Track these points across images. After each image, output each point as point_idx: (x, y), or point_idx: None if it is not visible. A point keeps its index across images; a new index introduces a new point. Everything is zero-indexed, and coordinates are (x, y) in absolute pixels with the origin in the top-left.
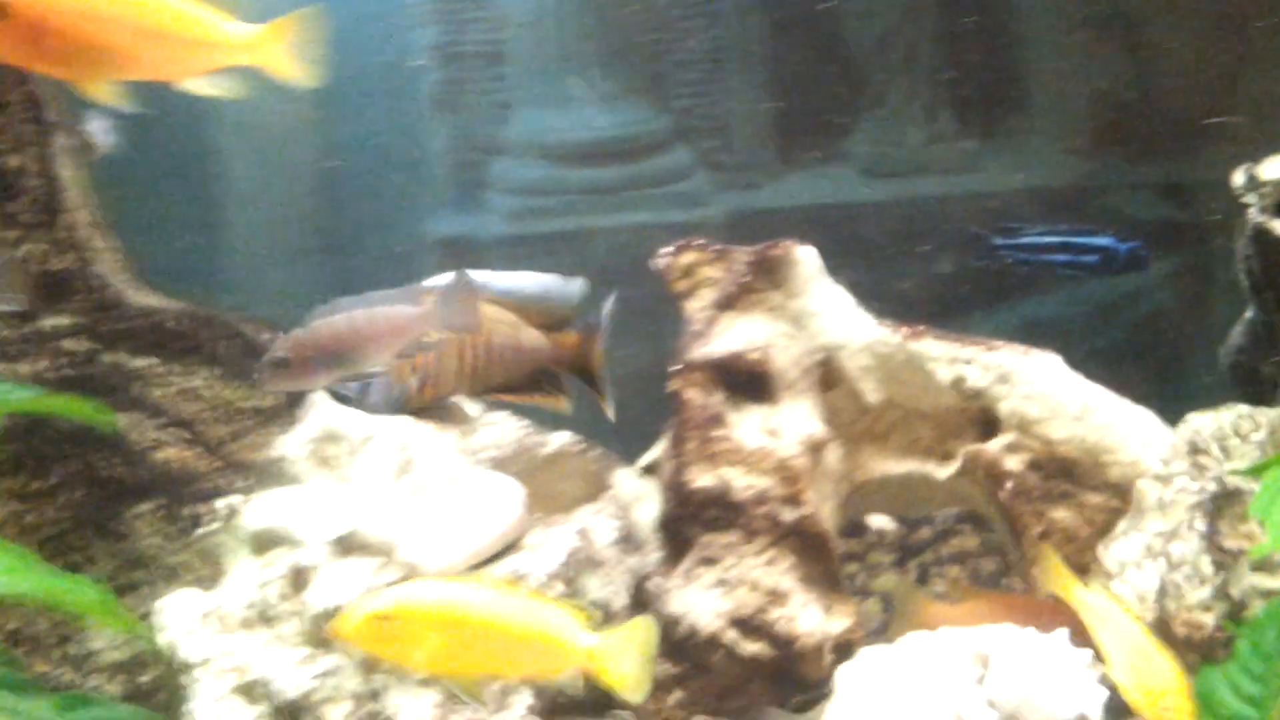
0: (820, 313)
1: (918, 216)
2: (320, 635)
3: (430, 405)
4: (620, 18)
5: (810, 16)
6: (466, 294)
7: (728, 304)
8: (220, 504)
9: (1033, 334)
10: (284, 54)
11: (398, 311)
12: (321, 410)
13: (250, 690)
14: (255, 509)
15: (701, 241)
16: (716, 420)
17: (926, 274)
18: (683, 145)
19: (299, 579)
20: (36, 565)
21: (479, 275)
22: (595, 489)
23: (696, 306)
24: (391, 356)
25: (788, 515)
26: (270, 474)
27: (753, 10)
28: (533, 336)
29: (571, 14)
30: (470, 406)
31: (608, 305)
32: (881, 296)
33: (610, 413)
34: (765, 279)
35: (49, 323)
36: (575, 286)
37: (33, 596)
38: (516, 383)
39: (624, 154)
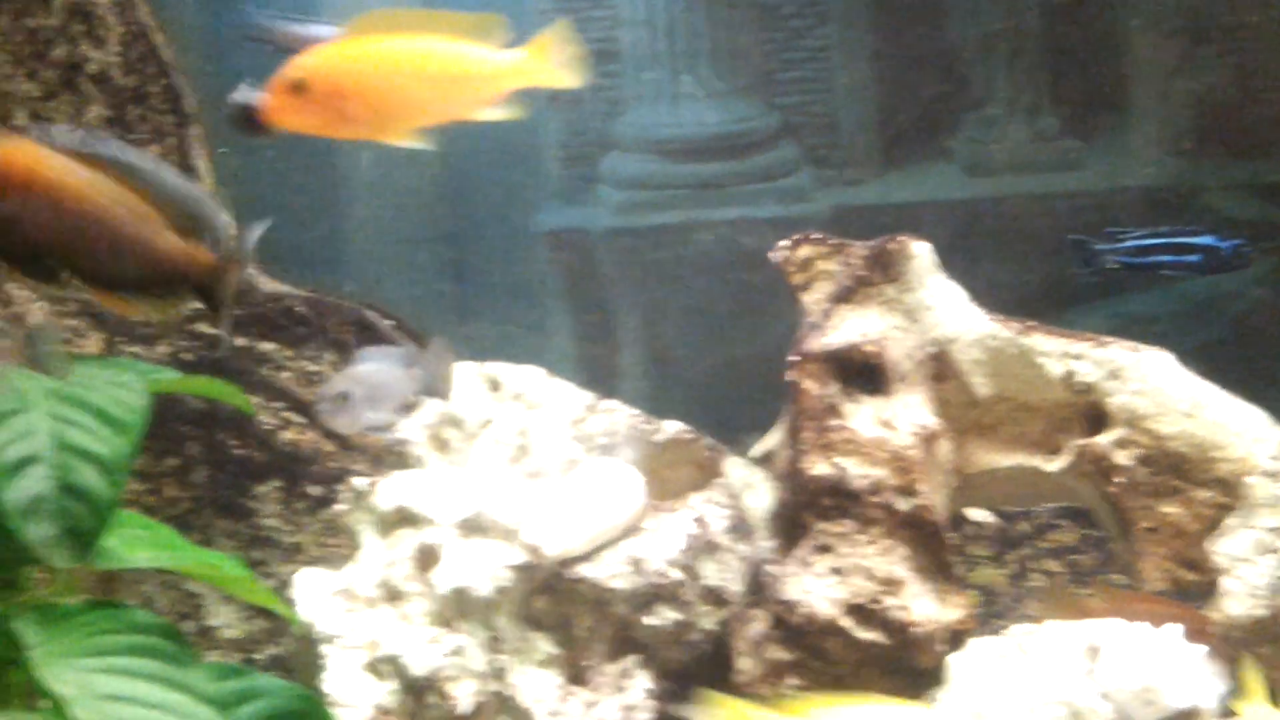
0: (934, 306)
1: (1019, 214)
2: (446, 615)
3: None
4: (730, 16)
5: (916, 15)
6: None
7: (843, 297)
8: (355, 484)
9: (1131, 330)
10: (551, 67)
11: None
12: None
13: (380, 667)
14: (385, 490)
15: (818, 235)
16: (832, 410)
17: (1026, 270)
18: (788, 141)
19: (425, 559)
20: (183, 541)
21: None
22: (706, 476)
23: (813, 299)
24: None
25: (902, 505)
26: (388, 457)
27: (860, 8)
28: (161, 240)
29: (683, 13)
30: (583, 395)
31: (252, 234)
32: (981, 292)
33: (225, 346)
34: (881, 273)
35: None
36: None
37: (185, 570)
38: (131, 280)
39: (731, 150)
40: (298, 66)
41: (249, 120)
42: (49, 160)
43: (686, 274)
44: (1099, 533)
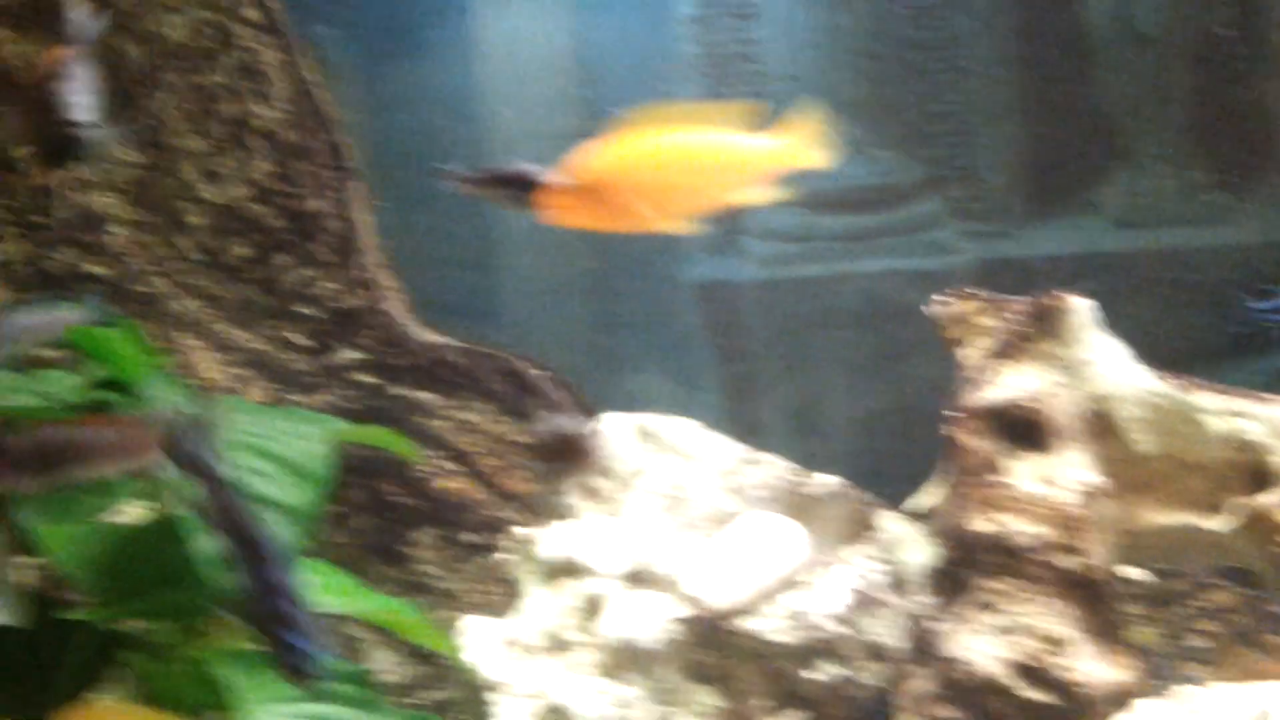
0: (1094, 362)
1: (1169, 267)
2: (612, 665)
3: None
4: (875, 70)
5: (1063, 67)
6: None
7: (1003, 353)
8: (518, 533)
9: None
10: (806, 149)
11: None
12: None
13: (548, 716)
14: (548, 540)
15: (975, 290)
16: (993, 467)
17: (1177, 324)
18: (933, 194)
19: (590, 609)
20: (361, 587)
21: None
22: (860, 530)
23: (971, 354)
24: None
25: (1065, 563)
26: (542, 506)
27: (1006, 63)
28: None
29: (829, 67)
30: (735, 447)
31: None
32: (1131, 346)
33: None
34: (1040, 328)
35: (342, 356)
36: None
37: (368, 616)
38: None
39: (876, 202)
40: (580, 165)
41: (520, 191)
42: None
43: (832, 326)
44: (1258, 593)
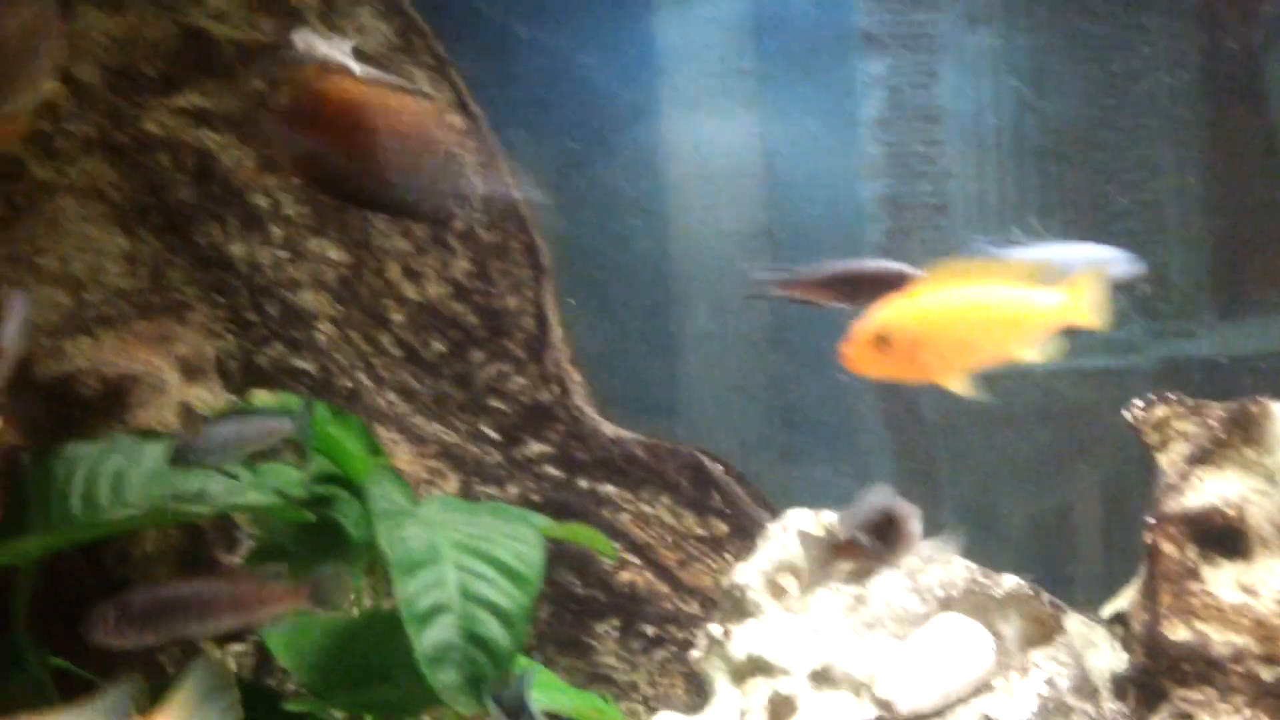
0: None
1: None
2: None
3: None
4: (1060, 169)
5: (1252, 164)
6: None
7: (1201, 458)
8: (711, 630)
9: None
10: (1085, 309)
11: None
12: (777, 541)
13: None
14: (739, 637)
15: (1174, 396)
16: (1192, 574)
17: None
18: (1119, 292)
19: (779, 708)
20: (562, 683)
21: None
22: (1047, 633)
23: (1169, 460)
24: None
25: (1267, 674)
26: (724, 600)
27: (1193, 160)
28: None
29: (1013, 166)
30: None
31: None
32: None
33: None
34: (1240, 434)
35: (533, 449)
36: None
37: (573, 713)
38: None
39: None
40: (881, 321)
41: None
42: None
43: (1013, 423)
44: None
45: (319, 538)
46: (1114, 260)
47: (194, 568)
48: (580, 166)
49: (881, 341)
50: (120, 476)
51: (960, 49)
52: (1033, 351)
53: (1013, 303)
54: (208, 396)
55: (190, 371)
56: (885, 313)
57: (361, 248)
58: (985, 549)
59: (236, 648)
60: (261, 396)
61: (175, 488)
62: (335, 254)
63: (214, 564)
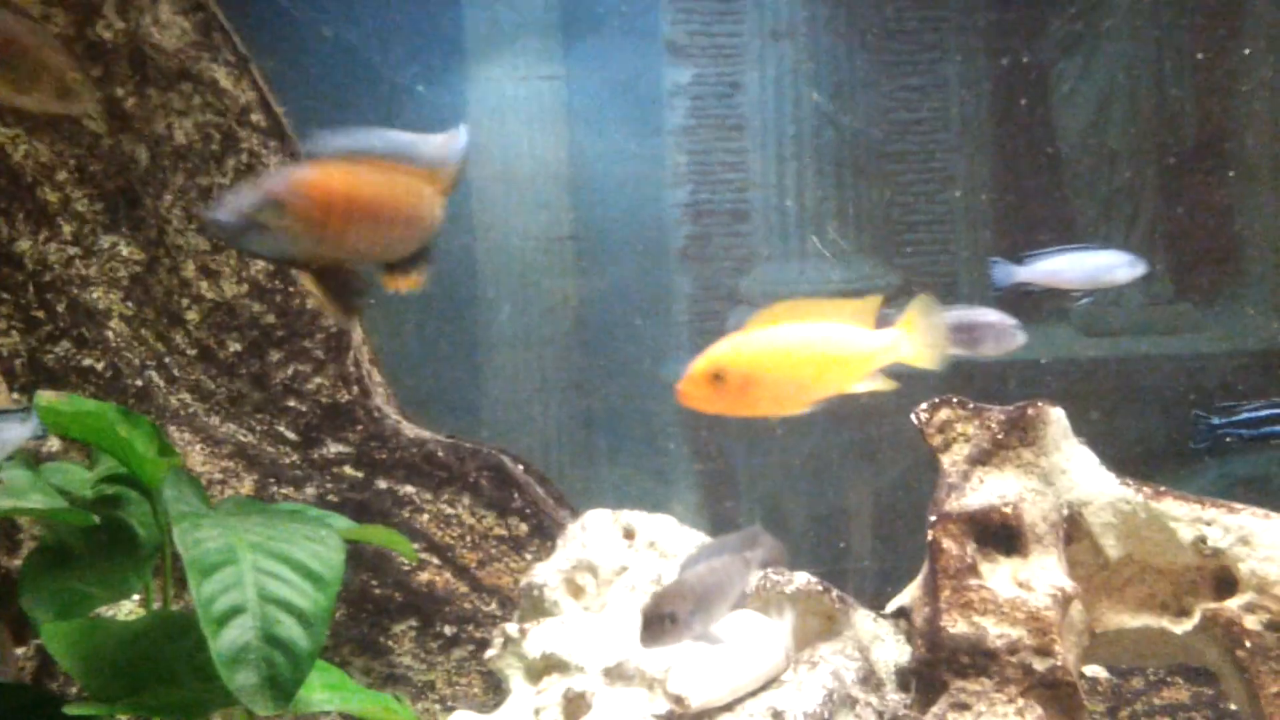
0: (1068, 470)
1: (1134, 375)
2: None
3: (326, 267)
4: (856, 181)
5: (1036, 179)
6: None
7: (982, 459)
8: (507, 629)
9: (1241, 490)
10: (918, 347)
11: (739, 561)
12: (576, 541)
13: None
14: (535, 636)
15: (957, 399)
16: (971, 570)
17: (1141, 430)
18: (909, 299)
19: (573, 705)
20: (353, 683)
21: (352, 138)
22: (834, 628)
23: (951, 461)
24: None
25: (1039, 665)
26: (523, 600)
27: (981, 175)
28: (441, 202)
29: (812, 177)
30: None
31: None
32: (1096, 451)
33: None
34: (1018, 436)
35: (331, 450)
36: (456, 141)
37: (363, 713)
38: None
39: None
40: (714, 358)
41: None
42: (351, 177)
43: (807, 425)
44: (1211, 690)
45: (106, 540)
46: (1121, 264)
47: None
48: None
49: (716, 379)
50: None
51: (763, 61)
52: (863, 385)
53: (842, 342)
54: None
55: None
56: (719, 350)
57: (156, 245)
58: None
59: (19, 650)
60: (46, 396)
61: None
62: (128, 251)
63: None
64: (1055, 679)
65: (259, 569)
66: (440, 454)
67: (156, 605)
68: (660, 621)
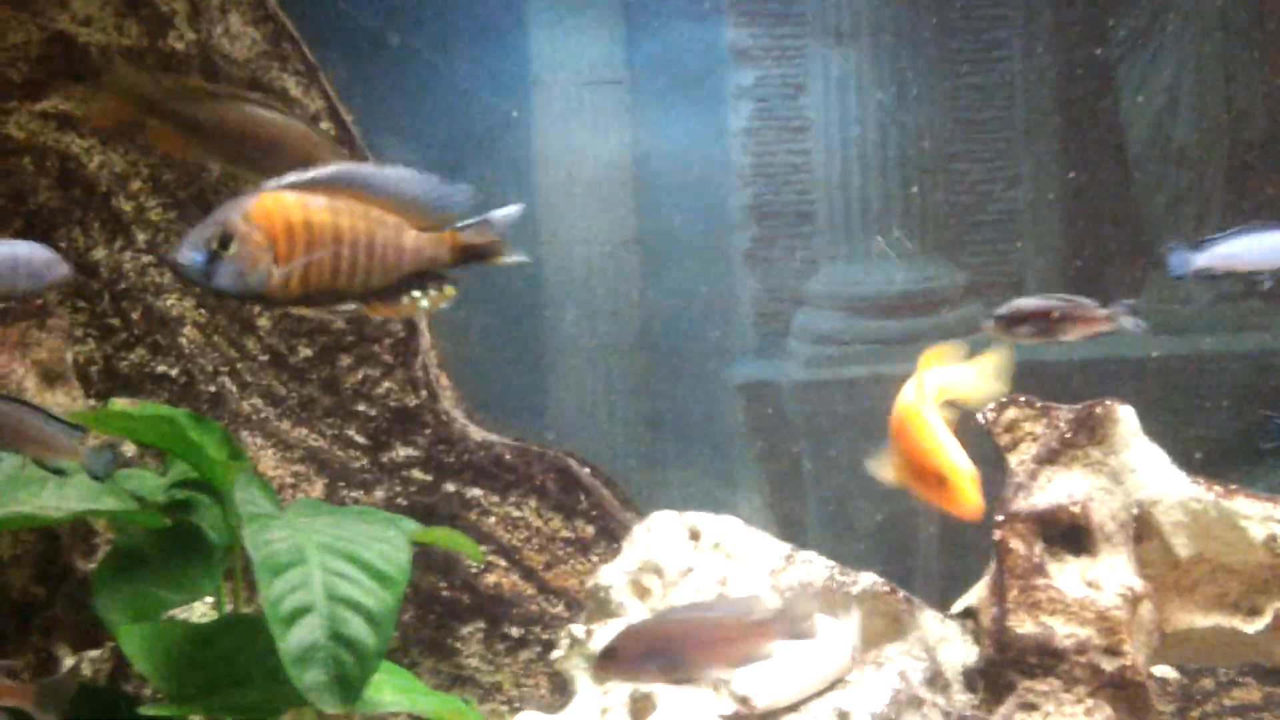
0: (1137, 469)
1: (1204, 372)
2: None
3: (300, 301)
4: (922, 180)
5: (1104, 177)
6: (808, 604)
7: (1049, 459)
8: (573, 631)
9: None
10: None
11: (742, 622)
12: (642, 543)
13: None
14: (600, 637)
15: (1024, 398)
16: (1039, 570)
17: (1211, 428)
18: (975, 299)
19: (639, 706)
20: (422, 685)
21: (350, 169)
22: (901, 629)
23: (1018, 460)
24: (727, 663)
25: (1108, 665)
26: (589, 601)
27: (1047, 174)
28: (412, 238)
29: (876, 176)
30: (780, 546)
31: (510, 211)
32: (1166, 449)
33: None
34: (1086, 435)
35: (400, 453)
36: (458, 190)
37: (431, 714)
38: (397, 282)
39: (919, 306)
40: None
41: None
42: (301, 201)
43: (871, 426)
44: None
45: (179, 542)
46: None
47: (51, 573)
48: (452, 173)
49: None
50: None
51: (826, 63)
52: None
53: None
54: (67, 401)
55: (49, 377)
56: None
57: None
58: (846, 547)
59: (93, 654)
60: (119, 403)
61: (31, 492)
62: None
63: (71, 570)
64: (1124, 679)
65: (327, 569)
66: (507, 457)
67: (229, 608)
68: (607, 654)
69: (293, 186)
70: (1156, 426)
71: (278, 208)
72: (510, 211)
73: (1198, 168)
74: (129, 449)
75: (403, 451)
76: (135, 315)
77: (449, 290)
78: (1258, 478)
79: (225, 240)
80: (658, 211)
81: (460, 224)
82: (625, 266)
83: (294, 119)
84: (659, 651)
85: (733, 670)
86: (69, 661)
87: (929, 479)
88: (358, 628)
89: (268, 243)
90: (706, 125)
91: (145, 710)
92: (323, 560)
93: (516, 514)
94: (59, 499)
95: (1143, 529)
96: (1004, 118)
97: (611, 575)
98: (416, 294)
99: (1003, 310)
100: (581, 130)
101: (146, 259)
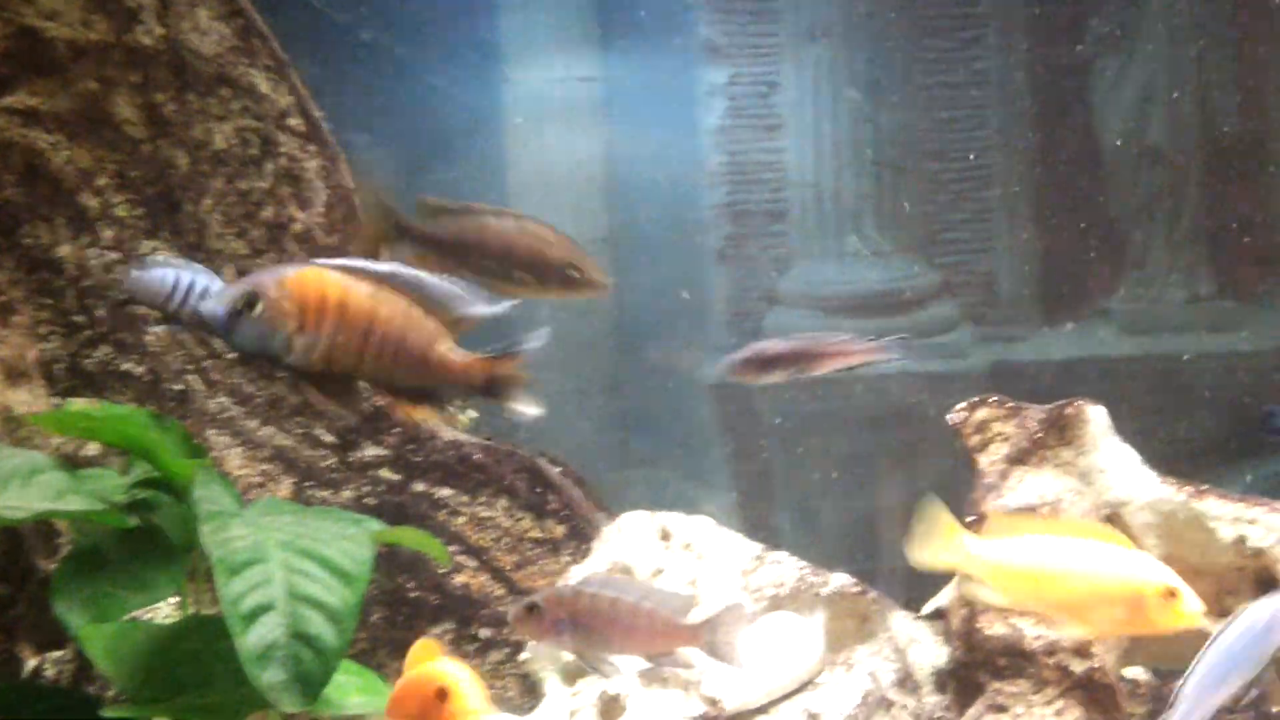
0: (1107, 469)
1: (1175, 373)
2: None
3: (321, 376)
4: (895, 180)
5: (1077, 179)
6: (735, 625)
7: (1019, 459)
8: None
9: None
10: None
11: (667, 618)
12: (612, 543)
13: None
14: None
15: (995, 398)
16: None
17: (1181, 428)
18: (948, 299)
19: (608, 708)
20: (387, 687)
21: (411, 272)
22: (871, 629)
23: (989, 460)
24: (640, 652)
25: (1077, 666)
26: None
27: (1021, 174)
28: (442, 351)
29: (849, 175)
30: (751, 546)
31: (537, 338)
32: (1136, 449)
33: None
34: (1056, 436)
35: (368, 452)
36: (485, 301)
37: None
38: (414, 388)
39: (892, 306)
40: None
41: None
42: (341, 282)
43: (845, 426)
44: (1255, 691)
45: (140, 543)
46: None
47: (13, 573)
48: (422, 171)
49: None
50: None
51: (800, 60)
52: None
53: None
54: (29, 399)
55: (12, 374)
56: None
57: (196, 249)
58: (816, 547)
59: (55, 654)
60: (77, 403)
61: None
62: (169, 255)
63: (33, 570)
64: (1093, 681)
65: (289, 567)
66: (476, 456)
67: (192, 609)
68: (527, 609)
69: (344, 268)
70: (1131, 427)
71: (315, 282)
72: (537, 341)
73: (1172, 167)
74: (93, 448)
75: (371, 451)
76: (100, 313)
77: (465, 417)
78: (1231, 479)
79: (251, 301)
80: (630, 209)
81: (492, 349)
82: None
83: (528, 222)
84: (579, 623)
85: (644, 659)
86: (31, 662)
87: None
88: (319, 625)
89: (296, 312)
90: (679, 123)
91: (107, 712)
92: (284, 558)
93: (486, 514)
94: (20, 498)
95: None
96: (978, 116)
97: (582, 575)
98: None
99: (743, 355)
100: (554, 128)
101: (112, 256)
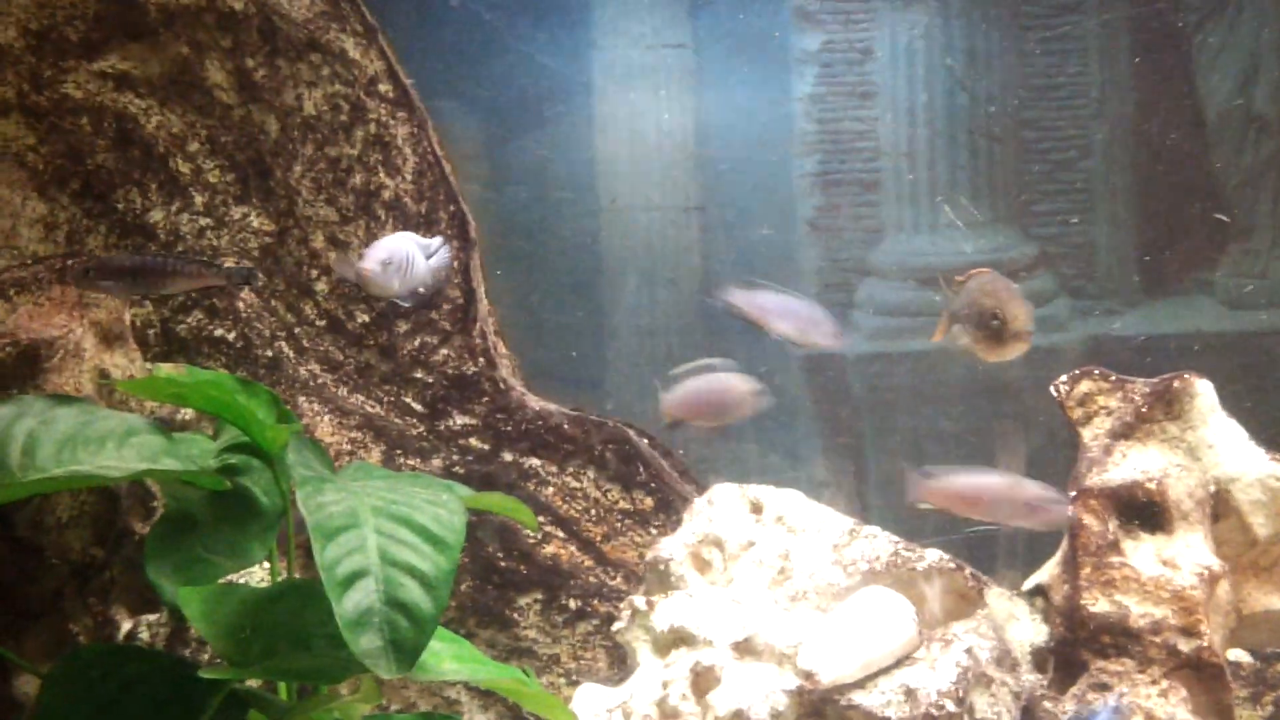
0: (1215, 445)
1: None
2: None
3: None
4: (991, 149)
5: (1179, 149)
6: None
7: (1124, 433)
8: (634, 603)
9: None
10: None
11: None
12: (703, 515)
13: None
14: (662, 610)
15: (1098, 371)
16: (1113, 547)
17: None
18: (1045, 271)
19: (701, 680)
20: (481, 655)
21: None
22: (968, 606)
23: (1092, 434)
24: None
25: (1184, 646)
26: (648, 574)
27: (1121, 143)
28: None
29: (944, 145)
30: (844, 520)
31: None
32: (1244, 427)
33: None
34: (1162, 410)
35: (457, 421)
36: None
37: (491, 684)
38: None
39: None
40: None
41: None
42: None
43: (937, 399)
44: None
45: (231, 507)
46: None
47: (109, 535)
48: (511, 139)
49: None
50: (33, 439)
51: (894, 27)
52: None
53: None
54: (124, 363)
55: (107, 338)
56: None
57: (286, 216)
58: (910, 523)
59: (150, 617)
60: (165, 368)
61: (91, 451)
62: (259, 222)
63: (129, 532)
64: (1201, 660)
65: (381, 532)
66: (566, 427)
67: (282, 574)
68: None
69: None
70: (1235, 403)
71: None
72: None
73: (1278, 137)
74: (187, 413)
75: (460, 419)
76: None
77: None
78: None
79: None
80: (720, 178)
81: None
82: (686, 234)
83: None
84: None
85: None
86: (127, 625)
87: None
88: (413, 592)
89: None
90: (771, 90)
91: (205, 673)
92: (378, 523)
93: (574, 484)
94: (117, 458)
95: (1220, 507)
96: (1077, 84)
97: (671, 548)
98: None
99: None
100: (643, 95)
101: (204, 221)
